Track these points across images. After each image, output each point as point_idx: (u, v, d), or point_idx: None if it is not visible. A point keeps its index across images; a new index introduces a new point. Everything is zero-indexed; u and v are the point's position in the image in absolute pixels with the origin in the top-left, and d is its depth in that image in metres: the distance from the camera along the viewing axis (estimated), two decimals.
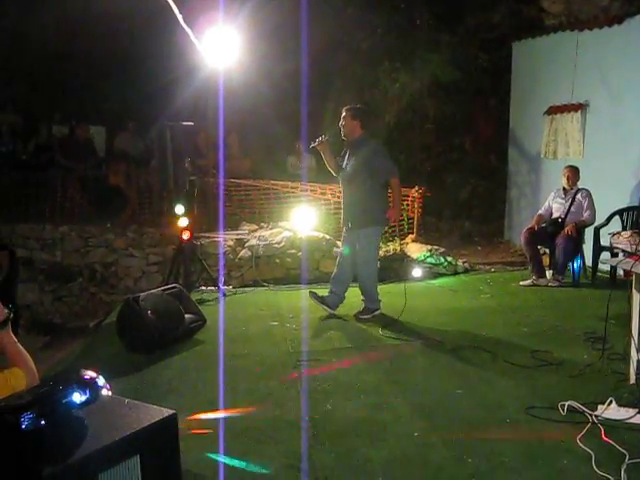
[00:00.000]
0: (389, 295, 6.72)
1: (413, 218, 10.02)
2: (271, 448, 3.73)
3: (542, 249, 8.25)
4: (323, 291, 6.78)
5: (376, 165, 6.31)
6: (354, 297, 6.69)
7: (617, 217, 7.80)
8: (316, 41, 11.15)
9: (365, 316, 6.51)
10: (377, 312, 6.55)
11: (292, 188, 10.18)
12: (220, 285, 7.82)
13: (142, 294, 5.81)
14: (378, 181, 6.33)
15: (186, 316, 5.99)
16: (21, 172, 10.55)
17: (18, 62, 11.55)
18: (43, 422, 2.29)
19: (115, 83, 11.82)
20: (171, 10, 6.73)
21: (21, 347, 2.91)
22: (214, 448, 3.69)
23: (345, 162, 6.46)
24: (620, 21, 8.25)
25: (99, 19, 10.13)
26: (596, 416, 3.92)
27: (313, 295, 6.68)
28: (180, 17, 6.85)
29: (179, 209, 7.46)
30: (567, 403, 4.08)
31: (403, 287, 7.38)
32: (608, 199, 7.95)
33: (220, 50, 7.47)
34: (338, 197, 9.65)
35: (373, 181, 6.32)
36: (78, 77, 11.87)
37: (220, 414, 4.18)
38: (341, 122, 6.39)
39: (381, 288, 6.77)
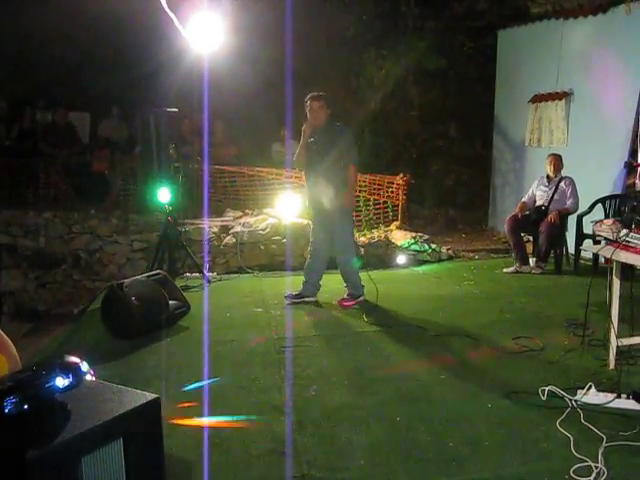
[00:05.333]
0: (372, 282, 6.73)
1: (397, 205, 10.05)
2: (255, 433, 3.76)
3: (525, 236, 8.30)
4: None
5: (342, 147, 6.28)
6: (339, 283, 6.71)
7: (600, 205, 7.86)
8: (301, 28, 11.11)
9: (346, 303, 6.53)
10: (361, 298, 6.57)
11: (277, 175, 10.18)
12: (205, 272, 7.82)
13: (126, 280, 5.81)
14: (343, 163, 6.30)
15: (170, 302, 5.99)
16: (4, 158, 10.46)
17: (2, 47, 11.44)
18: (26, 406, 2.30)
19: (99, 69, 11.73)
20: None
21: (2, 333, 2.92)
22: (198, 432, 3.71)
23: (315, 144, 6.38)
24: (605, 10, 8.29)
25: (84, 5, 10.03)
26: (576, 401, 3.98)
27: (290, 299, 6.64)
28: (164, 2, 6.81)
29: (163, 196, 7.44)
30: (547, 388, 4.13)
31: (387, 274, 7.46)
32: (591, 187, 8.01)
33: (205, 36, 7.44)
34: None
35: (340, 162, 6.29)
36: (62, 63, 11.76)
37: (203, 398, 4.19)
38: (311, 112, 6.32)
39: (364, 275, 6.78)
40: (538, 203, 8.09)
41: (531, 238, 8.29)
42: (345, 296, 6.59)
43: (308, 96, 6.40)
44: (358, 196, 10.02)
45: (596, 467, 3.20)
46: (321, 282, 6.72)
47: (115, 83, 11.38)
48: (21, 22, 11.03)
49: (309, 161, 6.46)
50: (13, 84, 12.07)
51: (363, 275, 6.73)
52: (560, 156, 8.11)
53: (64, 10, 10.25)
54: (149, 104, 7.97)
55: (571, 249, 8.00)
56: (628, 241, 4.37)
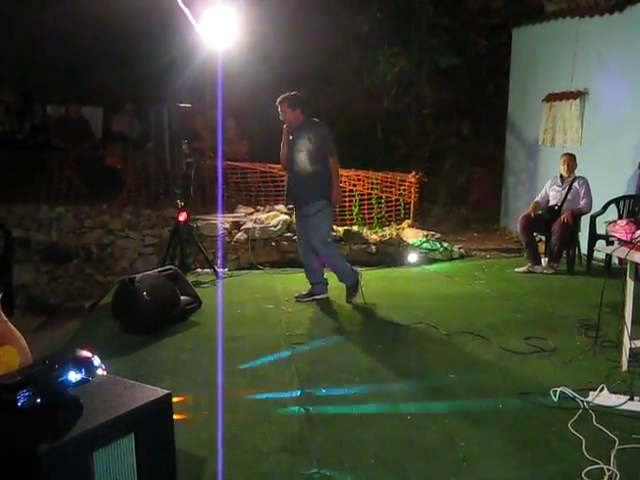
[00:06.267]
0: (384, 280, 6.72)
1: (410, 203, 10.04)
2: (265, 430, 3.76)
3: (538, 236, 8.26)
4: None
5: (318, 142, 6.27)
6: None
7: (613, 205, 7.81)
8: (315, 24, 11.11)
9: (353, 298, 6.49)
10: (360, 282, 6.52)
11: None
12: (218, 268, 7.83)
13: (138, 275, 5.82)
14: (320, 157, 6.29)
15: (182, 298, 6.00)
16: (17, 152, 10.50)
17: (15, 41, 11.48)
18: (39, 400, 2.31)
19: (112, 64, 11.77)
20: None
21: (12, 326, 2.93)
22: (209, 428, 3.71)
23: (294, 142, 6.39)
24: (621, 9, 8.22)
25: (97, 1, 10.07)
26: (588, 402, 3.96)
27: (300, 299, 6.61)
28: None
29: (176, 191, 7.45)
30: (559, 389, 4.11)
31: (399, 272, 7.44)
32: (605, 187, 7.96)
33: (218, 32, 7.43)
34: None
35: (318, 157, 6.28)
36: (75, 57, 11.80)
37: (215, 395, 4.19)
38: (280, 115, 6.34)
39: (376, 272, 6.76)
40: (551, 203, 8.05)
41: (543, 238, 8.25)
42: (347, 292, 6.55)
43: None
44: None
45: (608, 470, 3.18)
46: (326, 276, 6.72)
47: (128, 78, 11.41)
48: (35, 18, 11.07)
49: (288, 159, 6.49)
50: (26, 79, 12.14)
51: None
52: (574, 156, 8.06)
53: (78, 6, 10.29)
54: (162, 99, 7.99)
55: (584, 249, 7.95)
56: None
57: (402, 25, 12.12)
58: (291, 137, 6.40)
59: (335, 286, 6.75)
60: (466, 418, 3.89)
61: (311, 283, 6.67)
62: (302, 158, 6.34)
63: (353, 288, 6.54)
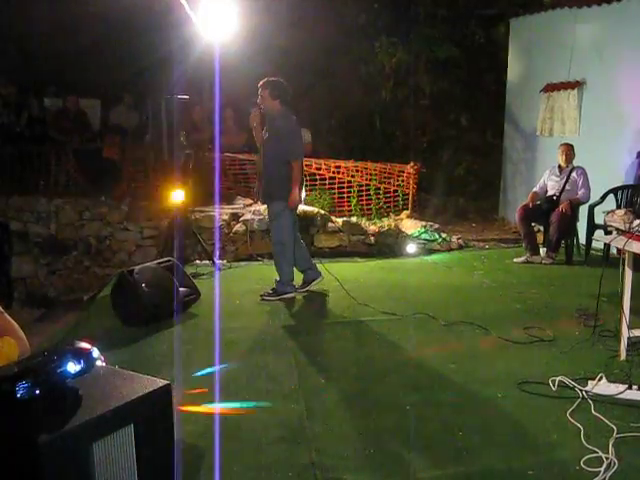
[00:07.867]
0: (382, 271, 6.71)
1: (408, 194, 10.03)
2: (264, 420, 3.76)
3: (536, 226, 8.26)
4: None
5: (283, 142, 6.10)
6: (348, 270, 6.67)
7: (611, 195, 7.80)
8: (313, 15, 11.08)
9: (270, 298, 6.31)
10: (287, 295, 6.34)
11: None
12: (215, 259, 7.82)
13: (136, 267, 5.82)
14: (283, 158, 6.12)
15: (180, 289, 6.00)
16: (15, 144, 10.48)
17: (12, 33, 11.45)
18: (38, 391, 2.31)
19: (110, 56, 11.73)
20: None
21: (9, 318, 2.93)
22: (208, 419, 3.72)
23: (266, 133, 6.29)
24: None
25: None
26: (586, 391, 3.97)
27: (298, 289, 6.50)
28: None
29: (174, 183, 7.43)
30: (558, 378, 4.12)
31: (398, 263, 7.44)
32: (603, 177, 7.95)
33: (216, 23, 7.41)
34: (333, 172, 9.68)
35: (282, 156, 6.13)
36: (73, 49, 11.76)
37: (214, 385, 4.20)
38: (259, 99, 6.17)
39: (375, 263, 6.75)
40: (549, 193, 8.05)
41: (542, 228, 8.25)
42: (270, 289, 6.41)
43: None
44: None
45: (607, 458, 3.19)
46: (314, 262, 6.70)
47: (126, 70, 11.38)
48: (33, 9, 11.03)
49: (261, 151, 6.40)
50: (23, 71, 12.09)
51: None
52: (572, 146, 8.06)
53: None
54: (160, 91, 7.96)
55: (582, 239, 7.95)
56: None
57: (400, 16, 12.09)
58: (266, 127, 6.26)
59: (332, 278, 6.75)
60: (465, 408, 3.90)
61: (302, 271, 6.60)
62: (269, 152, 6.21)
63: (275, 292, 6.35)
